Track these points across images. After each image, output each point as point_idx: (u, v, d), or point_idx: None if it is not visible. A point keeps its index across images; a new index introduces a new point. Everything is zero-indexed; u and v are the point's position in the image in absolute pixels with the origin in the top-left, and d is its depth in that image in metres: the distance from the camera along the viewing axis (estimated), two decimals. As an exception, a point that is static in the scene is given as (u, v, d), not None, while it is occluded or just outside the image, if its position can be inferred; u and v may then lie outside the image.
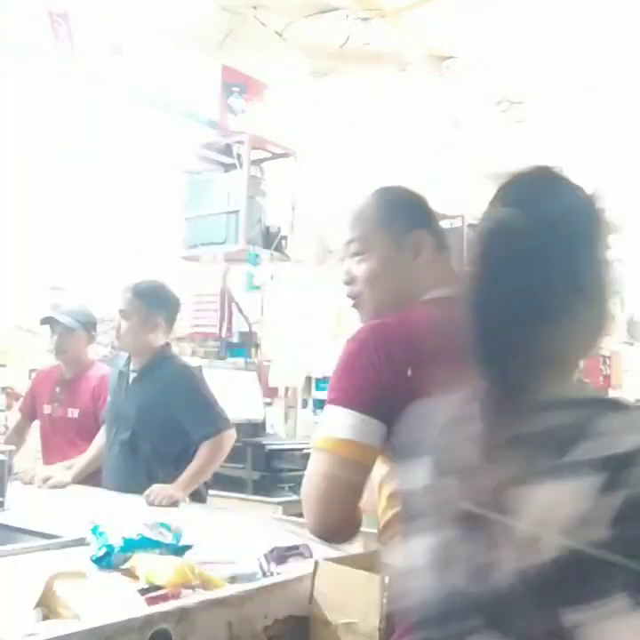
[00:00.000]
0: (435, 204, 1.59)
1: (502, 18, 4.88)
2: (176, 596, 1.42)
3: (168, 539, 1.77)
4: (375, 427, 1.30)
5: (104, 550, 1.71)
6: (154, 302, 2.96)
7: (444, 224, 6.28)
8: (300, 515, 2.47)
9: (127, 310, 2.93)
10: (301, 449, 3.89)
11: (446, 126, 6.02)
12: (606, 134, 7.18)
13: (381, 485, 1.45)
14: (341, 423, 1.31)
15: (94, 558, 1.71)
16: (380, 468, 1.45)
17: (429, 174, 7.29)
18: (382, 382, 1.32)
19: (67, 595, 1.33)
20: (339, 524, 1.38)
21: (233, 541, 2.11)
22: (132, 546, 1.69)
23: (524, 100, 6.40)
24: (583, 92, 5.80)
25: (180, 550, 1.76)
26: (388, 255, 1.48)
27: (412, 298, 1.44)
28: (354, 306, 1.56)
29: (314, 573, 1.60)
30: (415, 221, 1.50)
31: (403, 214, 1.51)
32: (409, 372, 1.30)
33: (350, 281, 1.54)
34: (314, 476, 1.35)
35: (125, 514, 2.56)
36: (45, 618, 1.33)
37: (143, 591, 1.46)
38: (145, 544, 1.70)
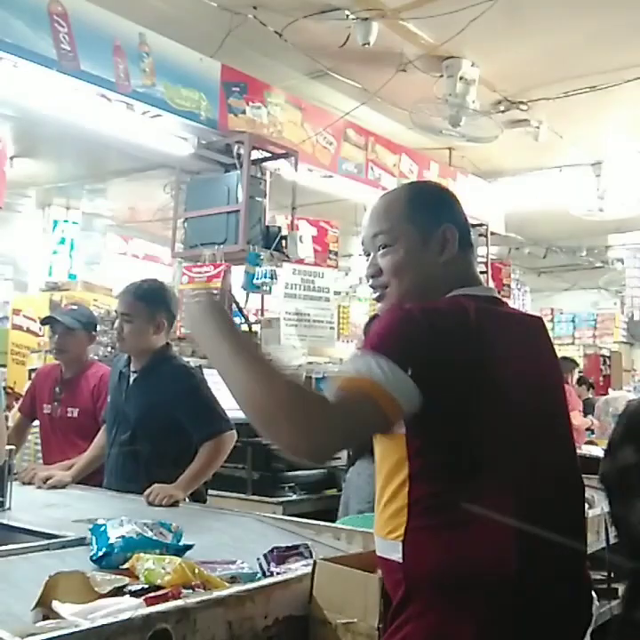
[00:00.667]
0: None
1: (502, 18, 4.88)
2: (176, 596, 1.42)
3: (168, 539, 1.77)
4: (413, 389, 1.28)
5: (104, 550, 1.71)
6: (156, 304, 2.96)
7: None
8: (300, 515, 2.48)
9: (130, 313, 2.93)
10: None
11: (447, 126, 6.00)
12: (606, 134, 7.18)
13: (389, 478, 1.42)
14: (376, 366, 1.26)
15: (94, 558, 1.72)
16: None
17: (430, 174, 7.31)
18: (428, 351, 1.31)
19: (65, 596, 1.33)
20: (332, 453, 1.35)
21: (233, 541, 2.11)
22: (131, 546, 1.69)
23: (524, 100, 6.41)
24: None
25: (180, 550, 1.76)
26: (414, 248, 1.50)
27: (437, 292, 1.46)
28: (378, 298, 1.57)
29: (313, 573, 1.60)
30: (443, 217, 1.53)
31: (431, 209, 1.54)
32: (449, 347, 1.31)
33: (376, 273, 1.56)
34: (335, 399, 1.25)
35: (125, 514, 2.56)
36: (45, 618, 1.33)
37: (143, 591, 1.46)
38: (145, 544, 1.70)
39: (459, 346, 1.32)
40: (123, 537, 1.72)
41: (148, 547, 1.70)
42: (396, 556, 1.38)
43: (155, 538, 1.75)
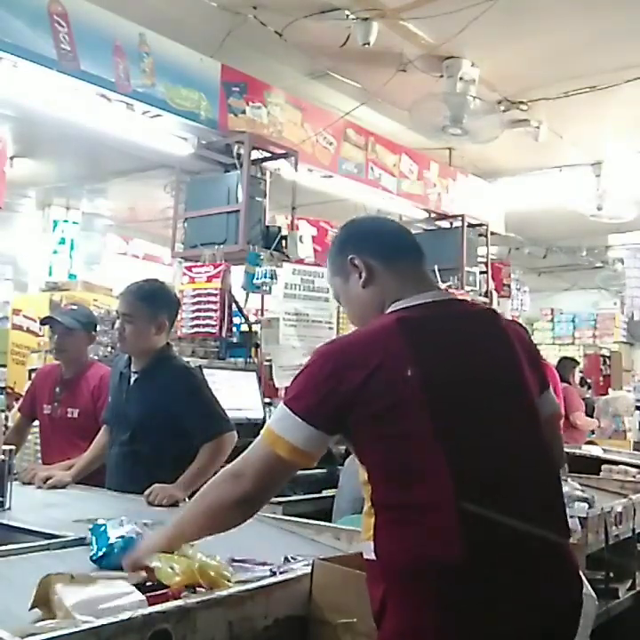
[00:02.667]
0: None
1: (502, 18, 4.88)
2: (176, 596, 1.42)
3: None
4: (317, 436, 1.49)
5: (104, 550, 1.71)
6: (158, 304, 2.95)
7: (444, 224, 6.25)
8: (300, 515, 2.49)
9: (131, 314, 2.92)
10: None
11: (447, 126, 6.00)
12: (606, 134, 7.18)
13: (363, 485, 1.51)
14: (287, 425, 1.50)
15: (94, 558, 1.71)
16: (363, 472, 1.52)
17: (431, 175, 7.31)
18: (333, 395, 1.47)
19: (61, 595, 1.32)
20: (260, 504, 1.59)
21: (233, 541, 2.11)
22: (132, 546, 1.69)
23: (524, 100, 6.41)
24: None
25: None
26: (344, 290, 1.73)
27: (371, 314, 1.64)
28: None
29: (312, 573, 1.60)
30: (346, 251, 1.71)
31: (338, 251, 1.74)
32: (363, 381, 1.46)
33: (337, 300, 1.81)
34: (254, 454, 1.55)
35: (125, 514, 2.56)
36: (44, 618, 1.33)
37: (149, 588, 1.45)
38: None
39: (367, 380, 1.46)
40: (123, 537, 1.72)
41: None
42: (371, 554, 1.45)
43: None
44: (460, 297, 1.89)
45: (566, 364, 7.39)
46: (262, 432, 1.54)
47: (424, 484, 1.42)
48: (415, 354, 1.48)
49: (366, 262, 1.67)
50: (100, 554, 1.71)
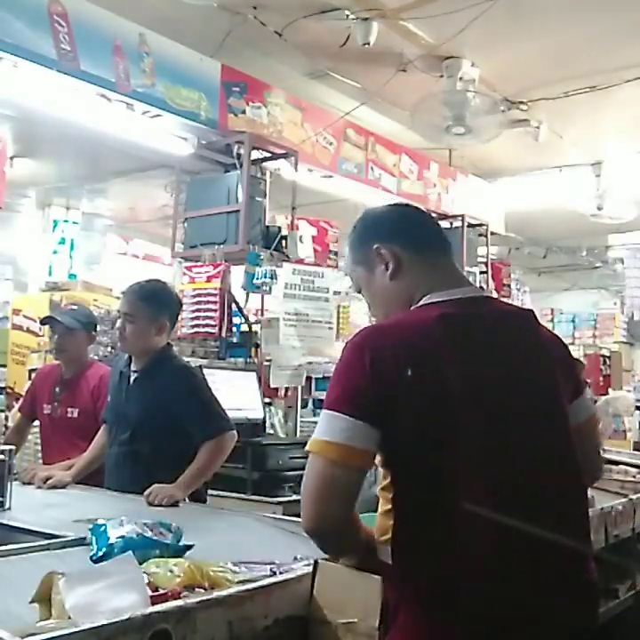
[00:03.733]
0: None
1: (502, 18, 4.88)
2: (176, 596, 1.42)
3: (168, 538, 1.77)
4: (367, 430, 1.37)
5: (104, 550, 1.71)
6: (159, 305, 2.95)
7: (444, 224, 6.23)
8: (300, 515, 2.47)
9: (132, 313, 2.92)
10: (301, 448, 3.89)
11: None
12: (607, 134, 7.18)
13: (382, 490, 1.47)
14: (333, 427, 1.38)
15: (94, 558, 1.71)
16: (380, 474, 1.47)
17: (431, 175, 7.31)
18: (374, 386, 1.38)
19: (63, 595, 1.32)
20: (331, 522, 1.42)
21: (233, 541, 2.11)
22: (131, 546, 1.68)
23: (525, 100, 6.40)
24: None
25: (180, 550, 1.76)
26: (368, 281, 1.63)
27: (399, 306, 1.56)
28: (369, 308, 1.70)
29: (313, 573, 1.60)
30: (372, 239, 1.61)
31: (363, 239, 1.64)
32: (403, 374, 1.37)
33: (358, 291, 1.71)
34: (308, 477, 1.41)
35: (125, 514, 2.56)
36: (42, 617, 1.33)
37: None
38: (145, 544, 1.70)
39: (406, 373, 1.37)
40: (123, 537, 1.72)
41: (147, 547, 1.69)
42: (387, 558, 1.42)
43: (155, 538, 1.75)
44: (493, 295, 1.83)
45: None
46: (309, 446, 1.41)
47: (453, 494, 1.35)
48: (457, 353, 1.42)
49: (394, 252, 1.58)
50: (100, 554, 1.71)
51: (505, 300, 8.44)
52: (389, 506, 1.43)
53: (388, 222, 1.67)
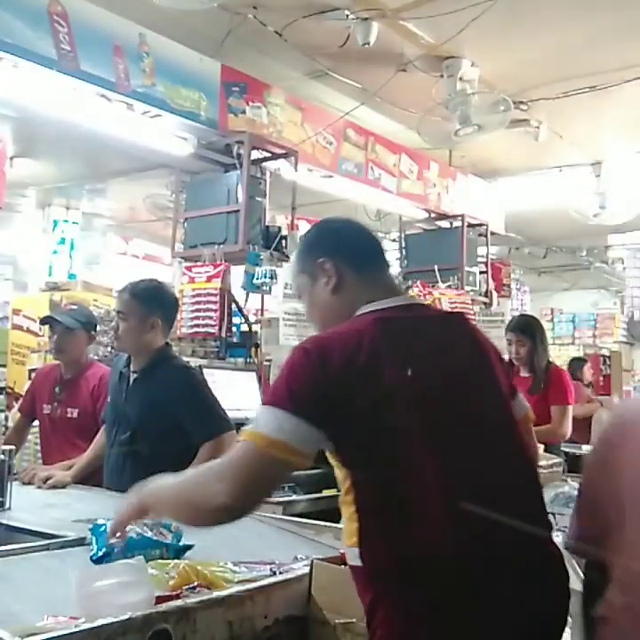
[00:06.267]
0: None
1: (502, 18, 4.87)
2: (176, 595, 1.42)
3: (168, 539, 1.77)
4: (307, 430, 1.40)
5: (104, 550, 1.71)
6: (151, 303, 2.95)
7: (444, 224, 6.23)
8: (300, 515, 2.49)
9: (124, 311, 2.93)
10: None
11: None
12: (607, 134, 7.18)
13: (344, 495, 1.48)
14: (274, 422, 1.40)
15: (94, 558, 1.71)
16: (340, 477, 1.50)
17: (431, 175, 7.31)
18: (319, 388, 1.42)
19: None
20: (250, 510, 1.46)
21: (233, 541, 2.11)
22: (132, 546, 1.69)
23: (525, 100, 6.40)
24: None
25: (180, 550, 1.76)
26: (310, 291, 1.70)
27: (339, 317, 1.61)
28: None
29: (311, 573, 1.60)
30: (317, 253, 1.68)
31: (309, 252, 1.72)
32: (346, 377, 1.43)
33: (299, 297, 1.81)
34: (240, 462, 1.41)
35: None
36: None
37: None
38: (145, 544, 1.70)
39: (351, 374, 1.43)
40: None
41: (148, 547, 1.69)
42: (357, 561, 1.43)
43: (155, 538, 1.75)
44: (427, 302, 1.96)
45: (575, 364, 7.58)
46: (242, 435, 1.43)
47: (410, 486, 1.40)
48: (396, 354, 1.48)
49: (338, 268, 1.65)
50: (100, 554, 1.71)
51: (505, 299, 8.45)
52: (352, 509, 1.45)
53: (335, 237, 1.74)
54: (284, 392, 1.43)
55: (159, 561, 1.63)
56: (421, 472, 1.41)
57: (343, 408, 1.41)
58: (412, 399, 1.45)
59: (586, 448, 4.59)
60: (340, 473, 1.49)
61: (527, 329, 4.28)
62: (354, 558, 1.43)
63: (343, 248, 1.69)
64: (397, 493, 1.41)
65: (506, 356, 4.48)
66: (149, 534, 1.75)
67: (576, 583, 2.48)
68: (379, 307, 1.59)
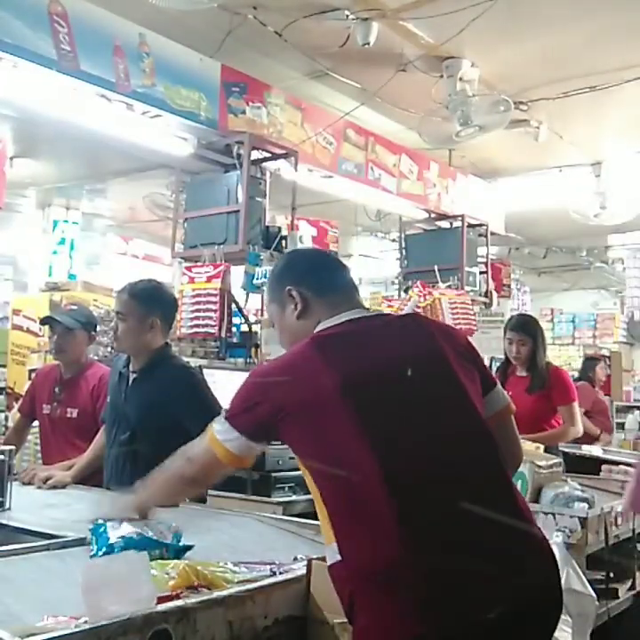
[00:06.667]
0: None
1: (502, 18, 4.88)
2: (176, 595, 1.42)
3: (168, 539, 1.77)
4: (245, 443, 1.68)
5: (104, 550, 1.71)
6: (149, 303, 2.94)
7: (444, 224, 6.25)
8: (300, 515, 2.49)
9: (123, 312, 2.92)
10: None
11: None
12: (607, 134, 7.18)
13: (313, 488, 1.57)
14: (226, 432, 1.69)
15: (94, 558, 1.71)
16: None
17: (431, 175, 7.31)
18: (259, 416, 1.63)
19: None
20: (185, 494, 2.04)
21: (233, 542, 2.11)
22: (132, 546, 1.68)
23: (524, 100, 6.40)
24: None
25: (180, 550, 1.76)
26: (281, 317, 1.86)
27: (305, 336, 1.74)
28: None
29: (308, 573, 1.60)
30: (283, 282, 1.83)
31: (276, 282, 1.86)
32: (285, 397, 1.59)
33: (273, 326, 1.98)
34: (199, 453, 1.78)
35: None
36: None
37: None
38: (145, 544, 1.70)
39: (286, 390, 1.60)
40: (123, 537, 1.72)
41: (148, 547, 1.69)
42: (336, 558, 1.47)
43: (155, 538, 1.75)
44: (385, 312, 2.12)
45: (588, 363, 7.42)
46: (208, 431, 1.75)
47: (355, 481, 1.47)
48: (327, 363, 1.59)
49: (303, 295, 1.78)
50: (100, 553, 1.71)
51: (505, 299, 8.47)
52: (325, 511, 1.53)
53: (300, 266, 1.89)
54: (238, 409, 1.69)
55: (159, 561, 1.62)
56: (363, 468, 1.47)
57: (284, 422, 1.58)
58: (347, 401, 1.53)
59: (586, 448, 4.59)
60: (305, 474, 1.60)
61: (528, 328, 4.28)
62: (333, 556, 1.49)
63: (306, 276, 1.83)
64: (347, 492, 1.49)
65: (502, 356, 4.50)
66: (150, 534, 1.75)
67: (577, 585, 2.48)
68: (322, 327, 1.72)
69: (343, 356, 1.62)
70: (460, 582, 1.39)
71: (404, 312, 5.81)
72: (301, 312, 1.79)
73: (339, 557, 1.47)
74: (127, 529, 1.75)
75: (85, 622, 1.24)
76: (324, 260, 1.98)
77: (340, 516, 1.51)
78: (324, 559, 1.60)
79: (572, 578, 2.48)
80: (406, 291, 7.24)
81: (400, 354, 1.66)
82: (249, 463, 1.77)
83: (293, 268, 1.89)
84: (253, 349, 5.23)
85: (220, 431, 1.71)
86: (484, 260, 7.75)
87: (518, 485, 2.59)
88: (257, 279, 5.01)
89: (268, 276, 1.90)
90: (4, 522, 2.25)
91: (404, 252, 7.62)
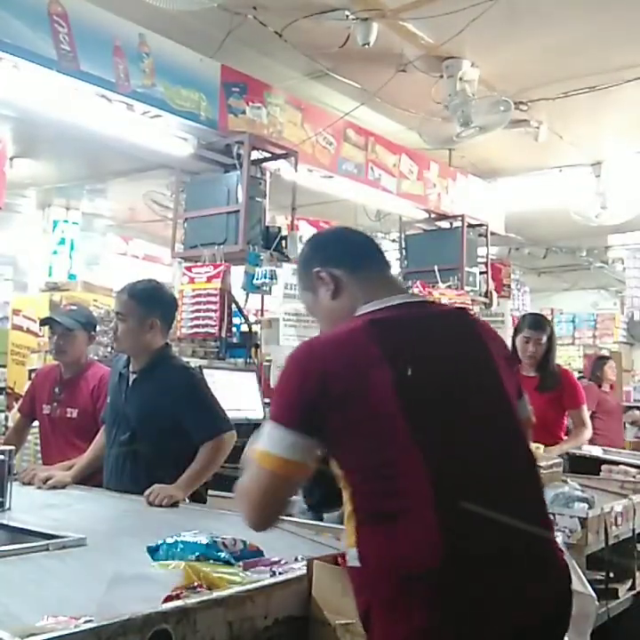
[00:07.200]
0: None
1: (502, 18, 4.88)
2: (176, 595, 1.42)
3: (227, 551, 1.73)
4: (304, 442, 1.46)
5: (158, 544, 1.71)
6: (149, 303, 2.94)
7: (443, 224, 6.24)
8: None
9: (123, 312, 2.92)
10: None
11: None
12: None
13: (343, 484, 1.49)
14: (274, 439, 1.47)
15: (150, 549, 1.72)
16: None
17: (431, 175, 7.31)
18: (308, 398, 1.47)
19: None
20: (271, 524, 1.58)
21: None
22: (190, 549, 1.67)
23: (524, 100, 6.40)
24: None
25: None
26: (314, 302, 1.76)
27: (340, 321, 1.62)
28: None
29: (309, 573, 1.59)
30: (312, 264, 1.73)
31: (305, 265, 1.77)
32: (335, 383, 1.45)
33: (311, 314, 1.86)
34: (251, 484, 1.52)
35: (125, 514, 2.56)
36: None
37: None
38: (204, 551, 1.68)
39: (339, 378, 1.46)
40: (184, 540, 1.71)
41: (207, 553, 1.68)
42: (355, 562, 1.43)
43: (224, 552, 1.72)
44: (430, 299, 1.96)
45: (597, 362, 7.43)
46: (252, 455, 1.51)
47: (402, 487, 1.41)
48: (387, 355, 1.48)
49: (332, 273, 1.69)
50: (154, 546, 1.71)
51: (504, 300, 8.46)
52: (350, 509, 1.47)
53: (323, 245, 1.81)
54: (279, 406, 1.51)
55: (161, 562, 1.62)
56: (413, 475, 1.41)
57: (333, 415, 1.45)
58: (403, 403, 1.44)
59: (586, 448, 4.59)
60: (338, 472, 1.50)
61: (545, 327, 4.24)
62: (353, 559, 1.44)
63: (333, 253, 1.74)
64: (390, 496, 1.41)
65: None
66: (222, 548, 1.72)
67: (577, 585, 2.48)
68: (374, 307, 1.60)
69: (399, 348, 1.50)
70: (490, 598, 1.38)
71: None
72: (334, 292, 1.69)
73: (357, 563, 1.42)
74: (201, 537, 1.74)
75: (85, 622, 1.24)
76: (347, 234, 1.85)
77: (369, 518, 1.44)
78: (324, 559, 1.60)
79: (572, 578, 2.47)
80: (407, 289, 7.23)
81: (455, 356, 1.57)
82: (309, 469, 1.50)
83: (319, 249, 1.79)
84: (253, 349, 5.23)
85: (263, 442, 1.49)
86: (484, 260, 7.75)
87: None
88: (257, 279, 5.01)
89: (298, 265, 1.83)
90: (4, 522, 2.25)
91: (403, 252, 7.62)
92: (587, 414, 4.21)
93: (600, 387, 7.06)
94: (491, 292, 7.69)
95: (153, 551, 1.72)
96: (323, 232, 1.94)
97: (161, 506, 2.55)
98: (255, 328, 5.36)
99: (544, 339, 4.16)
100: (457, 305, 6.60)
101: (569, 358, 11.53)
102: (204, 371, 3.88)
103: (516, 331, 4.30)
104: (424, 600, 1.35)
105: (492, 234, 7.91)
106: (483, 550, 1.39)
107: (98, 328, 3.87)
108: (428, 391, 1.48)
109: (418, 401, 1.46)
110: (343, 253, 1.73)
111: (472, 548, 1.38)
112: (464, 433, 1.48)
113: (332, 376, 1.46)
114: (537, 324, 4.26)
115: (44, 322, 4.00)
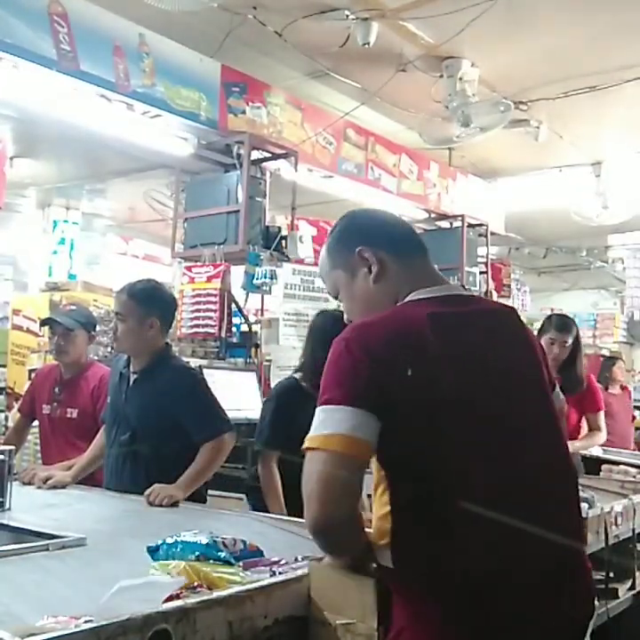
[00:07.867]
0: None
1: (502, 18, 4.88)
2: (176, 595, 1.42)
3: (227, 551, 1.73)
4: (367, 419, 1.34)
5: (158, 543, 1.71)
6: (149, 303, 2.94)
7: (443, 224, 6.22)
8: (300, 514, 2.47)
9: (122, 313, 2.92)
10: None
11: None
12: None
13: (376, 486, 1.46)
14: (333, 420, 1.34)
15: (150, 549, 1.72)
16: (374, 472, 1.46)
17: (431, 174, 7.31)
18: (368, 377, 1.36)
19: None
20: (337, 520, 1.36)
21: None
22: (190, 549, 1.67)
23: (524, 100, 6.40)
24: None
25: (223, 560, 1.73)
26: (349, 285, 1.61)
27: (382, 307, 1.53)
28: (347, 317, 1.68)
29: (309, 573, 1.59)
30: (353, 243, 1.59)
31: (343, 244, 1.62)
32: (396, 366, 1.36)
33: (336, 296, 1.70)
34: (310, 477, 1.35)
35: (125, 514, 2.56)
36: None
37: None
38: (204, 551, 1.68)
39: (399, 367, 1.37)
40: (184, 540, 1.71)
41: (207, 553, 1.67)
42: (388, 562, 1.41)
43: (224, 552, 1.71)
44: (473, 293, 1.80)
45: (605, 363, 7.35)
46: (308, 445, 1.36)
47: (453, 491, 1.36)
48: (447, 353, 1.41)
49: (378, 255, 1.56)
50: (154, 546, 1.70)
51: (504, 300, 8.46)
52: (386, 509, 1.42)
53: (370, 226, 1.66)
54: (333, 388, 1.37)
55: (161, 562, 1.62)
56: (463, 479, 1.37)
57: (391, 397, 1.35)
58: (464, 402, 1.39)
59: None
60: (375, 469, 1.45)
61: (571, 329, 4.14)
62: (385, 558, 1.41)
63: (380, 234, 1.61)
64: (438, 500, 1.36)
65: None
66: (222, 548, 1.72)
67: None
68: (427, 295, 1.51)
69: (461, 347, 1.43)
70: (529, 611, 1.36)
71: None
72: (378, 275, 1.55)
73: (390, 564, 1.40)
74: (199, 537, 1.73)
75: (85, 622, 1.24)
76: (393, 218, 1.73)
77: (411, 521, 1.39)
78: (321, 558, 1.59)
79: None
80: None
81: (509, 355, 1.51)
82: (373, 451, 1.36)
83: (362, 227, 1.64)
84: (253, 349, 5.23)
85: (318, 427, 1.35)
86: (484, 260, 7.75)
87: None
88: (257, 279, 5.01)
89: (331, 240, 1.66)
90: (4, 522, 2.24)
91: (404, 252, 7.61)
92: (603, 419, 4.18)
93: (607, 389, 7.03)
94: (491, 292, 7.69)
95: (153, 551, 1.72)
96: (362, 211, 1.75)
97: (161, 506, 2.55)
98: (255, 328, 5.36)
99: (569, 341, 4.06)
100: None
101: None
102: (204, 371, 3.87)
103: (541, 332, 4.20)
104: (460, 611, 1.33)
105: (492, 234, 7.91)
106: (527, 563, 1.37)
107: (98, 328, 3.87)
108: (483, 393, 1.43)
109: (474, 403, 1.41)
110: (389, 236, 1.62)
111: (518, 561, 1.36)
112: (514, 442, 1.43)
113: (393, 355, 1.37)
114: (563, 325, 4.14)
115: (44, 322, 4.00)
